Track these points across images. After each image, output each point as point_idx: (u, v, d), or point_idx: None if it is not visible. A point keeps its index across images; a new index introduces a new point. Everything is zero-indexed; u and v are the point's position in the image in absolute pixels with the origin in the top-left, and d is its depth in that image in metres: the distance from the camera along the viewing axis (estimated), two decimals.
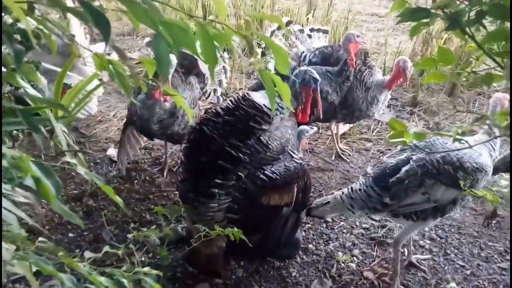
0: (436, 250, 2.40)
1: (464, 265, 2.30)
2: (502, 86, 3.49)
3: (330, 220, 2.58)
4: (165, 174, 2.97)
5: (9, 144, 1.71)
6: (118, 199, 0.97)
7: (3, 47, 0.91)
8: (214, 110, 2.06)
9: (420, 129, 2.05)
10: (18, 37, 1.32)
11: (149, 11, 0.66)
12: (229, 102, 2.07)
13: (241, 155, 1.88)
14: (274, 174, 1.92)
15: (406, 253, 2.29)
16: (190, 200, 1.95)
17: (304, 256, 2.33)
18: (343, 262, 2.28)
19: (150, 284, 1.14)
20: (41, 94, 2.05)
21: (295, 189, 2.02)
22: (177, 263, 2.20)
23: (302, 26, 3.65)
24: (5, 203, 0.99)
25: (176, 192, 2.78)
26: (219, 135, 1.92)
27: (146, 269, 1.18)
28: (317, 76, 2.19)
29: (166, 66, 0.71)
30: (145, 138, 3.01)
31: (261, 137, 1.94)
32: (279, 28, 3.34)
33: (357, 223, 2.59)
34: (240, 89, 4.09)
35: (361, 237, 2.48)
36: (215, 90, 3.18)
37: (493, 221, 2.55)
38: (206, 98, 3.22)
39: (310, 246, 2.40)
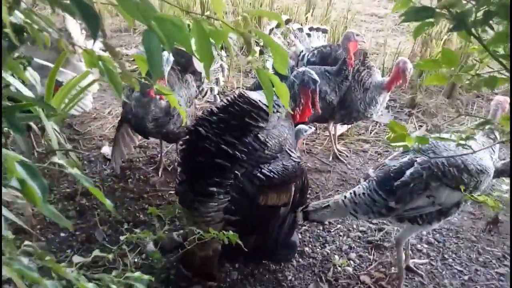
0: (434, 255, 2.37)
1: (462, 270, 2.27)
2: (501, 89, 3.46)
3: (326, 222, 2.55)
4: (160, 173, 2.93)
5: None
6: (107, 202, 0.92)
7: None
8: (209, 110, 2.02)
9: (422, 132, 2.02)
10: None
11: (140, 5, 0.62)
12: (225, 100, 2.04)
13: (237, 152, 1.84)
14: (272, 173, 1.88)
15: (403, 257, 2.26)
16: (190, 202, 1.91)
17: (300, 259, 2.30)
18: (339, 266, 2.25)
19: None
20: (33, 90, 2.01)
21: (293, 189, 1.98)
22: (170, 265, 2.16)
23: (301, 25, 3.60)
24: None
25: (171, 192, 2.74)
26: (214, 134, 1.89)
27: (137, 274, 1.14)
28: (316, 77, 2.15)
29: (157, 64, 0.67)
30: (140, 137, 2.97)
31: (258, 135, 1.90)
32: (278, 26, 3.29)
33: (354, 226, 2.55)
34: (237, 87, 4.04)
35: (358, 240, 2.45)
36: (212, 89, 3.14)
37: (489, 226, 2.53)
38: (203, 97, 3.18)
39: (306, 249, 2.37)
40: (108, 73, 0.79)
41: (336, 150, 3.25)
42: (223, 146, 1.84)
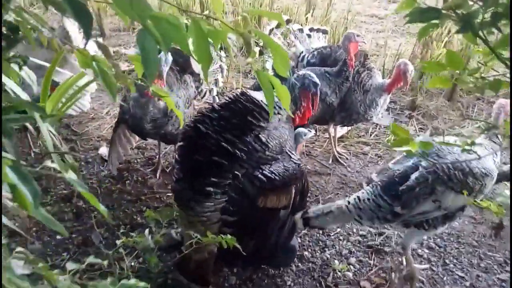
0: (435, 260, 2.33)
1: (463, 276, 2.23)
2: (502, 91, 3.43)
3: None
4: (157, 175, 2.90)
5: None
6: (101, 208, 0.89)
7: None
8: (210, 106, 1.99)
9: (426, 137, 1.99)
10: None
11: (134, 3, 0.59)
12: (227, 98, 2.00)
13: (237, 151, 1.80)
14: (273, 175, 1.84)
15: (404, 262, 2.23)
16: (186, 200, 1.87)
17: (299, 264, 2.26)
18: (339, 271, 2.21)
19: None
20: (29, 90, 1.97)
21: (293, 191, 1.95)
22: (168, 269, 2.12)
23: (302, 25, 3.58)
24: None
25: (169, 194, 2.71)
26: (214, 131, 1.85)
27: (133, 281, 1.11)
28: (317, 80, 2.12)
29: (153, 65, 0.64)
30: (137, 138, 2.93)
31: (260, 135, 1.87)
32: (278, 26, 3.26)
33: (354, 230, 2.52)
34: (236, 88, 4.01)
35: (358, 245, 2.42)
36: (211, 90, 3.10)
37: (494, 231, 2.50)
38: (202, 98, 3.15)
39: (306, 253, 2.33)
40: (102, 74, 0.76)
41: (336, 153, 3.22)
42: (223, 143, 1.81)
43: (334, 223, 2.06)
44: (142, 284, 1.09)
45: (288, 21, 3.34)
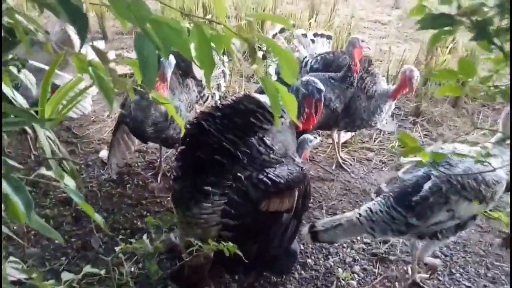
0: (441, 269, 2.28)
1: (470, 286, 2.19)
2: None
3: None
4: (159, 179, 2.87)
5: None
6: (98, 218, 0.86)
7: None
8: (214, 105, 1.96)
9: (437, 147, 1.94)
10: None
11: (132, 6, 0.55)
12: (232, 98, 1.98)
13: (239, 153, 1.77)
14: (278, 178, 1.80)
15: (409, 271, 2.18)
16: (183, 200, 1.82)
17: (302, 272, 2.22)
18: (343, 279, 2.17)
19: None
20: (28, 93, 1.94)
21: (297, 194, 1.91)
22: (167, 276, 2.08)
23: (305, 30, 3.55)
24: None
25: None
26: (216, 129, 1.82)
27: None
28: (321, 86, 2.10)
29: (151, 72, 0.60)
30: (137, 142, 2.90)
31: (264, 138, 1.84)
32: (281, 31, 3.23)
33: (358, 238, 2.47)
34: (239, 92, 3.98)
35: (362, 253, 2.37)
36: (213, 95, 3.07)
37: (503, 242, 2.44)
38: (204, 102, 3.11)
39: (309, 260, 2.29)
40: (99, 80, 0.73)
41: (339, 158, 3.18)
42: (224, 143, 1.78)
43: (345, 236, 2.00)
44: None
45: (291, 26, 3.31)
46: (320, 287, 2.14)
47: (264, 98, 1.92)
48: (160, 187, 2.81)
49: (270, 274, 2.16)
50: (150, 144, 2.97)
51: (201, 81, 2.89)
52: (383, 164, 3.25)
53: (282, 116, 1.96)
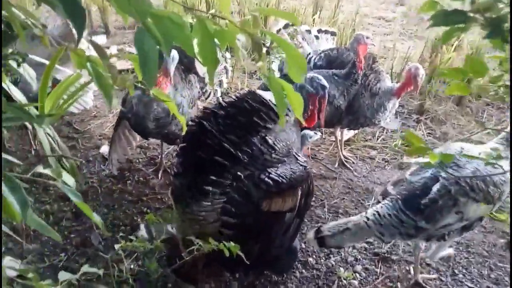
0: (444, 270, 2.26)
1: (473, 287, 2.16)
2: None
3: None
4: (160, 175, 2.85)
5: None
6: (96, 219, 0.83)
7: None
8: (217, 103, 1.93)
9: (446, 147, 1.91)
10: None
11: (133, 0, 0.52)
12: (235, 96, 1.94)
13: (239, 153, 1.74)
14: (280, 178, 1.77)
15: (412, 271, 2.16)
16: (183, 197, 1.80)
17: (303, 271, 2.20)
18: (344, 279, 2.14)
19: None
20: (29, 88, 1.91)
21: (299, 193, 1.88)
22: (167, 273, 2.06)
23: (310, 26, 3.51)
24: None
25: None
26: (218, 130, 1.79)
27: None
28: (325, 83, 2.07)
29: (151, 68, 0.57)
30: (138, 138, 2.87)
31: (266, 138, 1.81)
32: (285, 26, 3.20)
33: None
34: (241, 89, 3.94)
35: (364, 252, 2.35)
36: (215, 91, 3.04)
37: (507, 243, 2.42)
38: (206, 99, 3.09)
39: (310, 259, 2.27)
40: (97, 76, 0.70)
41: (342, 156, 3.15)
42: (225, 144, 1.75)
43: (352, 240, 1.96)
44: None
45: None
46: (322, 286, 2.12)
47: (268, 96, 1.89)
48: (161, 183, 2.79)
49: (271, 273, 2.14)
50: (152, 140, 2.95)
51: (203, 77, 2.86)
52: (386, 163, 3.22)
53: (287, 114, 1.94)
